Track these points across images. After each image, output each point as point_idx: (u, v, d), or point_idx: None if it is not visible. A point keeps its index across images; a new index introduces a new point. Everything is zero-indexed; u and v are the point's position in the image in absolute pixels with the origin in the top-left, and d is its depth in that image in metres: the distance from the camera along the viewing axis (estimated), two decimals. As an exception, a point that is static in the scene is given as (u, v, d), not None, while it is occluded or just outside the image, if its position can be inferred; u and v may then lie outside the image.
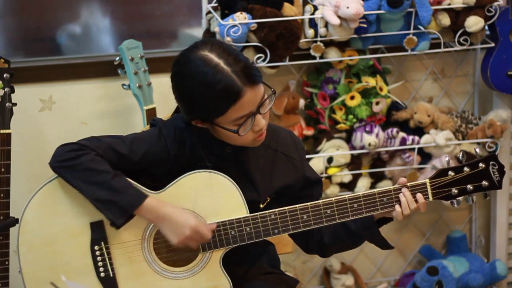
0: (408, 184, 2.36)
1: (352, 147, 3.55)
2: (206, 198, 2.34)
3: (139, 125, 3.37)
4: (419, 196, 2.36)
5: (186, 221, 2.29)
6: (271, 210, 2.34)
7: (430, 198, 2.37)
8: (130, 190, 2.28)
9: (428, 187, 2.36)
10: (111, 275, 2.36)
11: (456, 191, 2.37)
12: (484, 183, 2.38)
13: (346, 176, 3.57)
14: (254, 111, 2.26)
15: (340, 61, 3.48)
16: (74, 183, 2.30)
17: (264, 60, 3.30)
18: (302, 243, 2.55)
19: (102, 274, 2.36)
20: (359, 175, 3.60)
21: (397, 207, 2.35)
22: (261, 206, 2.42)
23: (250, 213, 2.35)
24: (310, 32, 3.35)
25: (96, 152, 2.30)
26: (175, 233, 2.29)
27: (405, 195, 2.35)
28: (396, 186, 2.37)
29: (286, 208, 2.34)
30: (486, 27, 3.51)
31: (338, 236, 2.46)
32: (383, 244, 2.44)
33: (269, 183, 2.43)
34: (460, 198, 2.39)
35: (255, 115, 2.26)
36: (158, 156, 2.36)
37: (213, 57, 2.23)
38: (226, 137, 2.32)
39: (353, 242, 2.48)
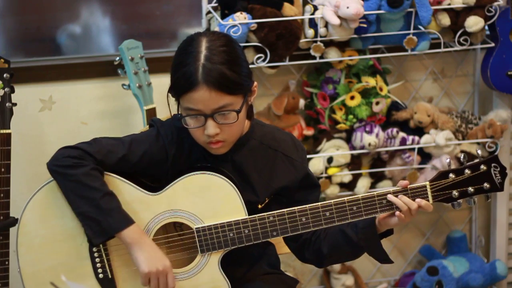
0: (408, 186, 2.35)
1: (352, 147, 3.55)
2: (204, 200, 2.33)
3: (139, 125, 3.37)
4: (419, 200, 2.33)
5: (163, 258, 2.29)
6: (269, 212, 2.34)
7: (430, 201, 2.34)
8: (116, 213, 2.28)
9: (428, 189, 2.34)
10: (110, 277, 2.36)
11: (457, 193, 2.35)
12: (486, 185, 2.35)
13: (346, 176, 3.57)
14: (206, 113, 2.24)
15: (340, 61, 3.48)
16: (64, 191, 2.31)
17: (264, 60, 3.30)
18: (298, 251, 2.53)
19: (101, 276, 2.36)
20: (359, 175, 3.60)
21: (397, 212, 2.34)
22: (260, 207, 2.42)
23: (249, 214, 2.35)
24: (310, 32, 3.35)
25: (93, 165, 2.29)
26: (148, 262, 2.27)
27: (402, 199, 2.33)
28: (395, 188, 2.35)
29: (284, 210, 2.34)
30: (486, 27, 3.51)
31: (337, 246, 2.43)
32: (383, 258, 2.42)
33: (268, 184, 2.42)
34: (461, 200, 2.37)
35: (207, 118, 2.25)
36: (156, 157, 2.37)
37: (202, 44, 2.25)
38: (189, 131, 2.32)
39: (353, 253, 2.45)
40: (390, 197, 2.33)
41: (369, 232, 2.37)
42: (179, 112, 2.31)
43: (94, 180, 2.28)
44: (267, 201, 2.43)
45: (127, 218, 2.28)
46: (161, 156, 2.37)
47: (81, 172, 2.28)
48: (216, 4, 3.35)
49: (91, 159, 2.30)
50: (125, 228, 2.27)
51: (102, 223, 2.26)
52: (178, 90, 2.26)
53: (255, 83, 2.35)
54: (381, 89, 3.50)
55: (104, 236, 2.27)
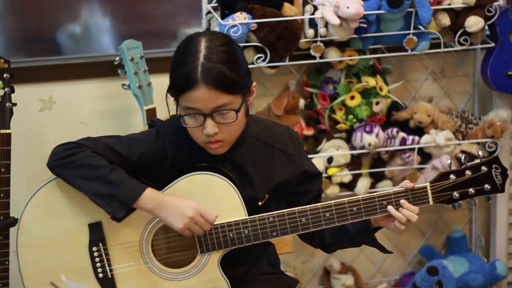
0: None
1: (352, 147, 3.55)
2: (204, 200, 2.33)
3: (139, 125, 3.37)
4: (407, 205, 2.34)
5: (187, 203, 2.29)
6: (269, 213, 2.34)
7: (431, 202, 2.35)
8: (128, 182, 2.28)
9: (429, 191, 2.35)
10: (109, 276, 2.37)
11: (457, 194, 2.35)
12: (487, 186, 2.35)
13: (346, 176, 3.57)
14: (205, 112, 2.25)
15: (340, 61, 3.48)
16: (72, 180, 2.30)
17: (264, 60, 3.30)
18: (307, 239, 2.56)
19: (101, 275, 2.36)
20: (359, 175, 3.60)
21: (396, 223, 2.35)
22: (260, 203, 2.42)
23: (249, 210, 2.35)
24: (310, 32, 3.35)
25: (92, 150, 2.30)
26: (178, 217, 2.28)
27: (402, 212, 2.33)
28: (396, 189, 2.35)
29: (284, 210, 2.34)
30: (486, 27, 3.51)
31: (337, 236, 2.47)
32: (381, 249, 2.44)
33: (267, 180, 2.43)
34: (462, 201, 2.37)
35: (205, 117, 2.26)
36: (156, 156, 2.37)
37: (201, 44, 2.26)
38: (188, 131, 2.32)
39: (353, 244, 2.48)
40: (390, 209, 2.34)
41: (363, 227, 2.39)
42: (178, 112, 2.31)
43: (97, 160, 2.29)
44: (267, 197, 2.43)
45: (139, 184, 2.29)
46: (160, 156, 2.38)
47: (82, 156, 2.28)
48: (216, 4, 3.35)
49: (88, 148, 2.31)
50: (140, 194, 2.27)
51: (118, 196, 2.26)
52: (177, 89, 2.27)
53: (254, 83, 2.35)
54: (381, 89, 3.50)
55: (124, 208, 2.27)
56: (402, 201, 2.33)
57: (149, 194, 2.29)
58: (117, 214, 2.28)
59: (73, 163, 2.29)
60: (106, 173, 2.27)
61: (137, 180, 2.30)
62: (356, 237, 2.42)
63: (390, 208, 2.33)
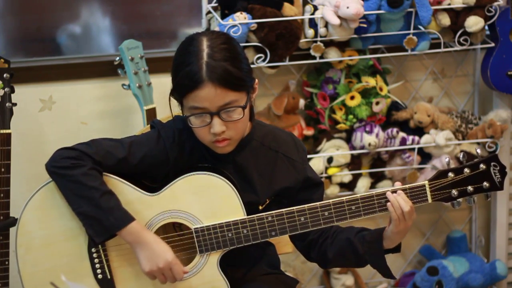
0: (407, 186, 2.34)
1: (352, 147, 3.55)
2: (203, 200, 2.33)
3: (139, 125, 3.37)
4: (404, 200, 2.33)
5: (163, 253, 2.29)
6: (268, 213, 2.34)
7: (429, 200, 2.35)
8: (116, 211, 2.28)
9: (427, 189, 2.34)
10: (109, 277, 2.36)
11: (456, 192, 2.35)
12: (485, 184, 2.35)
13: (346, 176, 3.57)
14: (212, 110, 2.24)
15: (340, 61, 3.48)
16: (63, 192, 2.31)
17: (264, 60, 3.30)
18: (304, 250, 2.54)
19: (100, 276, 2.36)
20: (359, 175, 3.60)
21: (392, 214, 2.32)
22: (260, 208, 2.42)
23: (249, 214, 2.34)
24: (310, 32, 3.35)
25: (91, 165, 2.29)
26: (149, 261, 2.28)
27: (397, 199, 2.32)
28: (394, 188, 2.35)
29: (283, 210, 2.33)
30: (486, 27, 3.51)
31: (343, 254, 2.44)
32: (386, 273, 2.42)
33: (269, 185, 2.42)
34: (461, 199, 2.37)
35: (212, 116, 2.25)
36: (157, 159, 2.36)
37: (203, 43, 2.25)
38: (194, 131, 2.32)
39: (357, 263, 2.45)
40: (389, 194, 2.32)
41: (374, 247, 2.37)
42: (184, 113, 2.31)
43: (93, 179, 2.28)
44: (267, 202, 2.43)
45: (127, 215, 2.29)
46: (161, 158, 2.37)
47: (79, 172, 2.28)
48: (216, 4, 3.35)
49: (89, 160, 2.30)
50: (126, 225, 2.27)
51: (103, 222, 2.26)
52: (182, 90, 2.26)
53: (256, 80, 2.35)
54: (381, 89, 3.50)
55: (106, 234, 2.27)
56: (399, 191, 2.32)
57: (134, 228, 2.28)
58: (97, 239, 2.28)
59: (69, 176, 2.28)
60: (97, 196, 2.26)
61: (127, 211, 2.29)
62: (365, 257, 2.39)
63: (388, 193, 2.31)
